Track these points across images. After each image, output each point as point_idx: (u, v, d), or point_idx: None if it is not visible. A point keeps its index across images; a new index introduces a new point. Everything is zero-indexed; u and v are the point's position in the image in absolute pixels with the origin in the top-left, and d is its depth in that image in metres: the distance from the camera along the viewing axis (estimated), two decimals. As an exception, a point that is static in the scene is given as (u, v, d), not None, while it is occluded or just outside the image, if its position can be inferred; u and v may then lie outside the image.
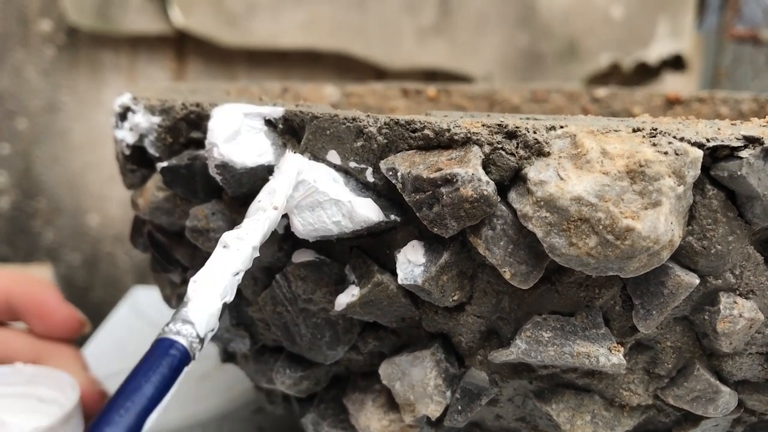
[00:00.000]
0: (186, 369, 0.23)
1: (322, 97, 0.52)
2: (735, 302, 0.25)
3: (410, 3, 1.25)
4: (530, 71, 1.32)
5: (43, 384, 0.40)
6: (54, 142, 1.18)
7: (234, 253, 0.25)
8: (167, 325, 0.23)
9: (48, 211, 1.20)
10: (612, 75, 1.38)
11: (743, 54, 1.64)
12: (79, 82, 1.18)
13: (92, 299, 1.24)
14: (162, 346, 0.22)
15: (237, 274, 0.25)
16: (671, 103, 0.54)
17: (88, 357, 0.49)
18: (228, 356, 0.39)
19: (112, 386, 0.51)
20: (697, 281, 0.24)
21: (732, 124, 0.26)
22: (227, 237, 0.26)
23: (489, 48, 1.30)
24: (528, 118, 0.25)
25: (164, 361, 0.22)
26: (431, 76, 1.29)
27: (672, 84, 1.46)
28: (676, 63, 1.39)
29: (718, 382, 0.27)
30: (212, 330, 0.24)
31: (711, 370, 0.27)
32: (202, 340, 0.23)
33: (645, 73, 1.40)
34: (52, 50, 1.17)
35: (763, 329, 0.26)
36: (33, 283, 0.44)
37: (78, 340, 0.46)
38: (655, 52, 1.37)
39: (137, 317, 0.69)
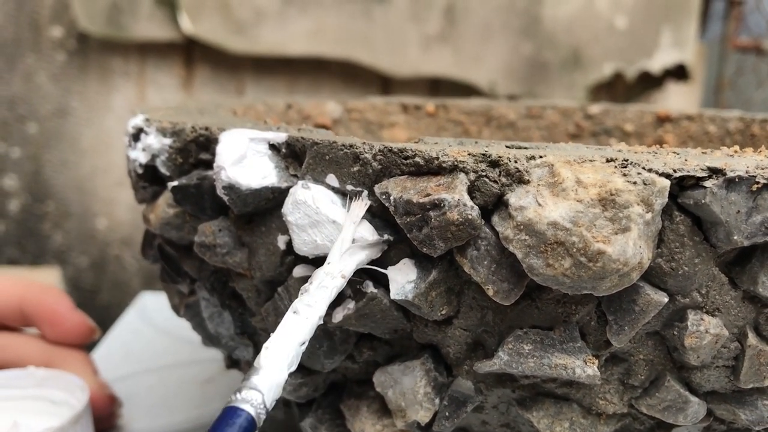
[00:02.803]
0: None
1: (325, 113, 0.54)
2: (702, 319, 0.27)
3: (416, 12, 1.26)
4: (534, 80, 1.34)
5: (54, 387, 0.42)
6: (64, 146, 1.20)
7: (303, 322, 0.27)
8: (237, 392, 0.24)
9: (57, 214, 1.22)
10: (615, 84, 1.40)
11: (746, 64, 1.66)
12: (89, 87, 1.20)
13: (99, 302, 1.26)
14: (231, 414, 0.24)
15: (303, 344, 0.27)
16: (661, 121, 0.56)
17: (97, 361, 0.51)
18: (232, 362, 0.41)
19: (119, 389, 0.53)
20: (666, 300, 0.26)
21: (703, 152, 0.28)
22: (298, 304, 0.27)
23: (494, 57, 1.32)
24: (512, 147, 0.27)
25: (231, 430, 0.23)
26: (436, 84, 1.30)
27: (675, 94, 1.47)
28: (679, 73, 1.41)
29: (687, 392, 0.29)
30: (275, 399, 0.25)
31: (681, 382, 0.29)
32: (267, 409, 0.25)
33: (648, 83, 1.42)
34: (63, 56, 1.19)
35: (728, 344, 0.28)
36: (46, 291, 0.46)
37: (87, 344, 0.48)
38: (659, 61, 1.38)
39: (144, 323, 0.71)
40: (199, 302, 0.36)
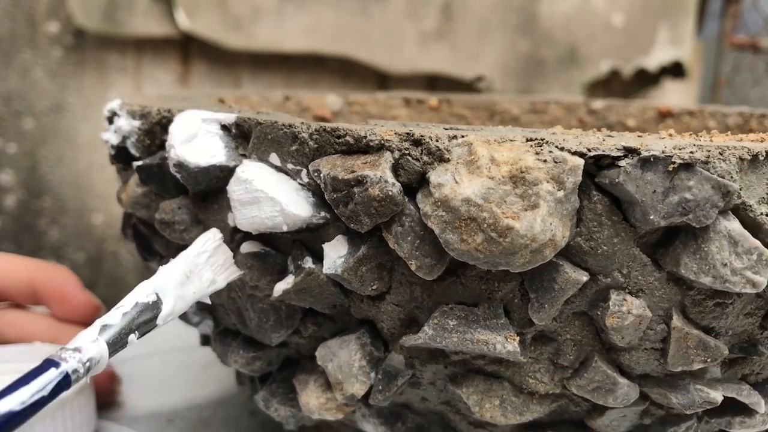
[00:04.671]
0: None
1: (324, 105, 0.55)
2: (624, 299, 0.28)
3: (413, 9, 1.27)
4: (531, 77, 1.34)
5: None
6: (60, 142, 1.22)
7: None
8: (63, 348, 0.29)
9: (53, 210, 1.24)
10: (612, 82, 1.40)
11: (743, 62, 1.66)
12: (85, 83, 1.21)
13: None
14: (47, 366, 0.28)
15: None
16: (663, 116, 0.57)
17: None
18: (205, 339, 0.43)
19: (123, 370, 0.56)
20: (585, 278, 0.27)
21: (639, 135, 0.29)
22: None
23: (490, 54, 1.32)
24: (449, 129, 0.28)
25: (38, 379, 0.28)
26: (433, 81, 1.31)
27: (672, 91, 1.47)
28: (675, 70, 1.41)
29: (615, 374, 0.29)
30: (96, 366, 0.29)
31: (611, 363, 0.30)
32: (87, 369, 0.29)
33: (645, 81, 1.42)
34: (59, 51, 1.20)
35: (654, 326, 0.29)
36: (55, 270, 0.49)
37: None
38: (655, 59, 1.39)
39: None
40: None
